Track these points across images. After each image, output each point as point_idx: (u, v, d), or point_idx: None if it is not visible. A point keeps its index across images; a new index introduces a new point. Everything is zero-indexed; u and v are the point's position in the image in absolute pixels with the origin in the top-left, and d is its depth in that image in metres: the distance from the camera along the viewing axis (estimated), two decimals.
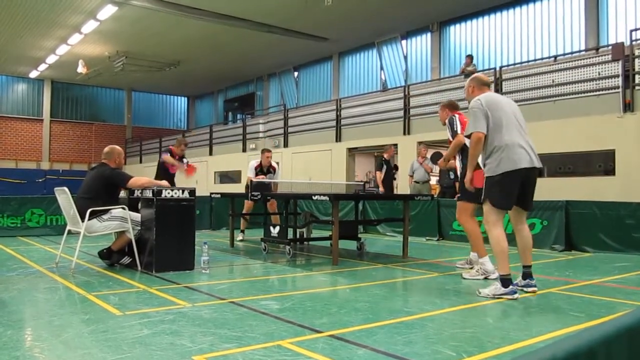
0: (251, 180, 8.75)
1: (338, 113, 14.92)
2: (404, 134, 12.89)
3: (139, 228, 5.73)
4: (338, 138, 14.83)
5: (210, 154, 20.02)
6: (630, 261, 6.66)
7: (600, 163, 9.67)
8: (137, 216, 5.76)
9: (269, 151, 9.22)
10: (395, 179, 11.34)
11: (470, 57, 13.73)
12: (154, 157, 21.36)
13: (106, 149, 5.99)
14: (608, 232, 7.48)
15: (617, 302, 4.22)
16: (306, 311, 3.74)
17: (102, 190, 5.64)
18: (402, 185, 12.17)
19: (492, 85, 10.73)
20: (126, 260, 5.77)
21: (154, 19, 15.73)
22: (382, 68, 17.90)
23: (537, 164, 4.32)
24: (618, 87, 9.18)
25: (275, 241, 7.04)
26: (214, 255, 6.55)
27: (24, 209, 9.35)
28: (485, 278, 5.11)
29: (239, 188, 14.75)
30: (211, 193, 9.16)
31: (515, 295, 4.19)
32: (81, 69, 19.80)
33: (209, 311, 3.68)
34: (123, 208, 5.60)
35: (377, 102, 14.27)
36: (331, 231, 6.40)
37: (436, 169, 11.11)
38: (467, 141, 5.39)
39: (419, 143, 12.10)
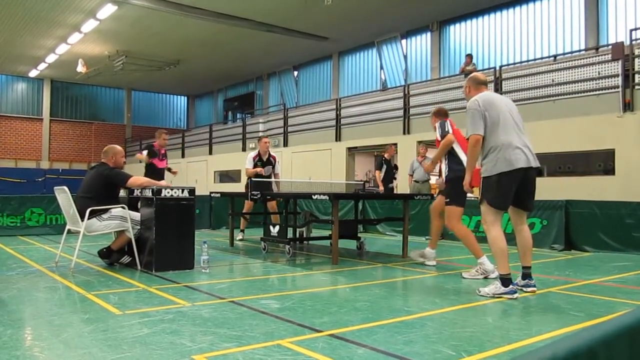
0: (251, 180, 8.64)
1: (338, 112, 14.92)
2: (404, 133, 12.90)
3: (139, 227, 5.73)
4: (338, 137, 14.83)
5: (210, 153, 20.03)
6: (630, 260, 6.67)
7: (600, 162, 9.67)
8: (136, 215, 5.76)
9: (267, 137, 9.22)
10: (395, 178, 11.34)
11: (470, 57, 13.75)
12: None
13: (105, 149, 6.00)
14: (608, 231, 7.48)
15: (617, 301, 4.22)
16: (306, 310, 3.74)
17: (101, 189, 5.64)
18: (402, 185, 12.17)
19: (492, 85, 10.75)
20: (126, 259, 5.78)
21: (153, 18, 15.73)
22: (382, 67, 17.89)
23: (535, 163, 4.30)
24: (618, 87, 9.18)
25: (275, 240, 7.04)
26: (213, 255, 6.55)
27: (23, 208, 9.35)
28: (485, 277, 5.12)
29: (238, 187, 14.78)
30: (211, 192, 9.16)
31: (515, 295, 4.19)
32: (81, 68, 19.80)
33: (208, 310, 3.68)
34: (123, 207, 5.60)
35: (377, 102, 14.27)
36: (331, 230, 6.41)
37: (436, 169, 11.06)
38: (456, 144, 5.43)
39: (419, 142, 12.10)
